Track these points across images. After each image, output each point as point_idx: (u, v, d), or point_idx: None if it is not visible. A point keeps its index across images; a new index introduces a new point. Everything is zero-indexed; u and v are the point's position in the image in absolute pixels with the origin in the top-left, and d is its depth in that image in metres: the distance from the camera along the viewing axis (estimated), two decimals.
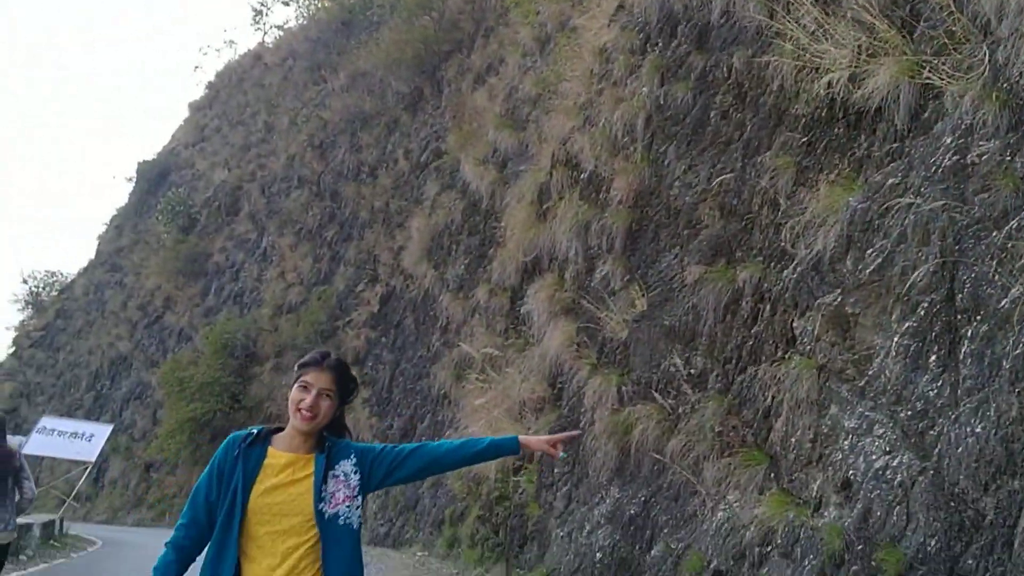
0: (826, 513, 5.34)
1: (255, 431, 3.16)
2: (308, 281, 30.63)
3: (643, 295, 9.61)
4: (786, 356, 6.50)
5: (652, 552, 7.76)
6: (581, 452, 9.80)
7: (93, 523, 31.26)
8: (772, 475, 6.60)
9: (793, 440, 6.03)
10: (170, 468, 31.55)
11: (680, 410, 8.09)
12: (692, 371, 8.36)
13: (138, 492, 33.04)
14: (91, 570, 11.13)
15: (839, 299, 5.74)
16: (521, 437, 3.23)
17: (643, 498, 8.25)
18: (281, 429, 3.19)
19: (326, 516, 2.98)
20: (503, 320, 16.63)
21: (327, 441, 3.13)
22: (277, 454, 3.09)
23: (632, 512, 8.27)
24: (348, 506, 3.05)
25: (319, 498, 2.98)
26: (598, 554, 8.31)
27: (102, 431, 18.59)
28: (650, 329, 9.18)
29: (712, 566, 6.89)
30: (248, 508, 2.95)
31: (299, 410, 3.07)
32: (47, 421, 19.12)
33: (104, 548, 15.64)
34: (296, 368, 3.18)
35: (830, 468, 5.46)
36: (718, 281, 8.23)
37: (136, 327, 39.73)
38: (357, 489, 3.09)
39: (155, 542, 16.24)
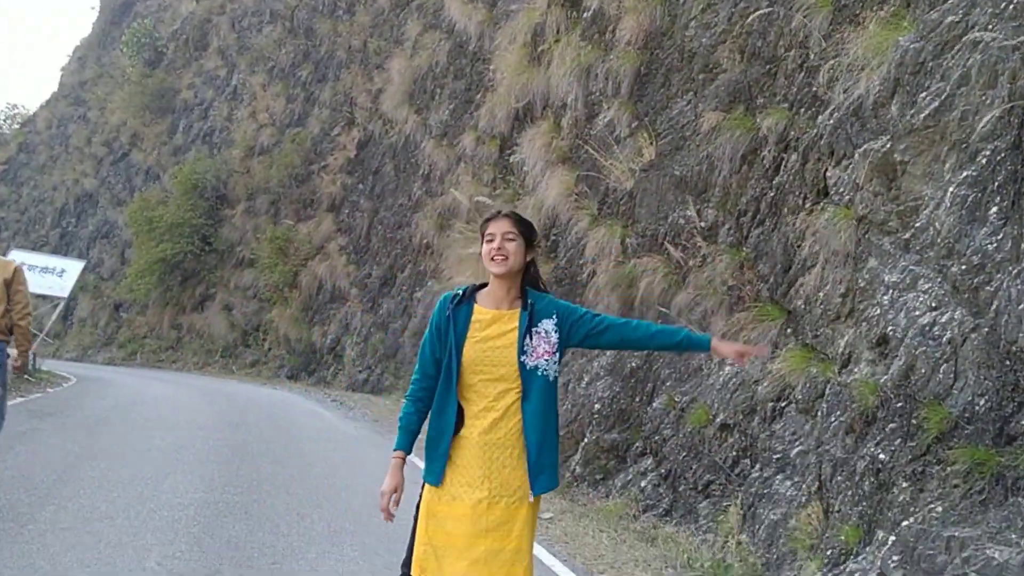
0: (856, 370, 5.12)
1: (460, 291, 3.33)
2: (281, 123, 29.59)
3: (652, 143, 9.14)
4: (817, 207, 6.15)
5: (653, 404, 7.61)
6: (584, 303, 9.55)
7: (63, 360, 31.16)
8: (789, 330, 6.36)
9: (821, 295, 5.75)
10: (140, 308, 31.28)
11: (690, 263, 7.79)
12: (703, 223, 8.02)
13: (108, 331, 32.85)
14: (71, 404, 10.92)
15: (887, 146, 5.34)
16: (714, 341, 3.26)
17: (645, 351, 8.04)
18: (485, 286, 3.33)
19: (527, 367, 3.17)
20: (491, 169, 16.11)
21: (529, 298, 3.26)
22: (483, 311, 3.26)
23: (633, 365, 8.08)
24: (547, 360, 3.19)
25: (521, 351, 3.17)
26: (596, 404, 8.17)
27: (74, 267, 17.99)
28: (659, 179, 8.77)
29: (718, 420, 6.74)
30: (463, 360, 3.20)
31: (492, 259, 3.21)
32: (15, 255, 18.45)
33: (79, 384, 15.47)
34: (480, 231, 3.34)
35: (864, 324, 5.20)
36: (736, 129, 7.78)
37: (102, 164, 38.59)
38: (556, 345, 3.21)
39: (129, 380, 16.04)
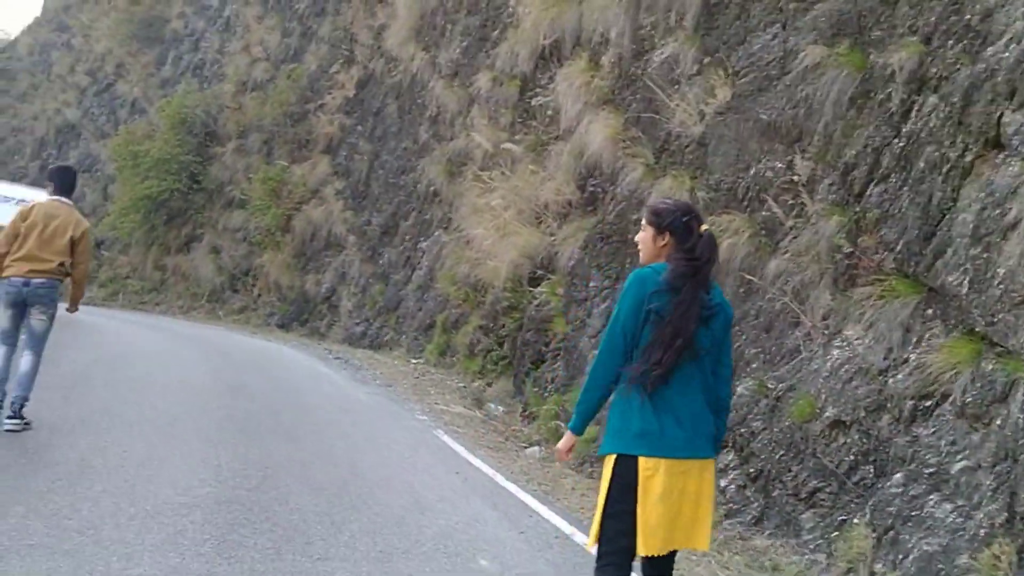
0: None
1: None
2: (276, 57, 28.04)
3: (728, 82, 7.89)
4: (985, 161, 4.95)
5: (738, 390, 6.45)
6: (628, 264, 8.35)
7: None
8: (931, 311, 5.20)
9: (1001, 271, 4.57)
10: (123, 247, 29.88)
11: (788, 223, 6.59)
12: (796, 176, 6.81)
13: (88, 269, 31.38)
14: (46, 357, 9.66)
15: None
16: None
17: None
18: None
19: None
20: (510, 112, 14.79)
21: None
22: None
23: None
24: None
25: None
26: None
27: (42, 198, 16.51)
28: (738, 124, 7.54)
29: (827, 414, 5.61)
30: None
31: None
32: None
33: (56, 330, 14.15)
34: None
35: None
36: (842, 67, 6.57)
37: (85, 94, 36.82)
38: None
39: (112, 325, 14.65)
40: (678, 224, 3.28)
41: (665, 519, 3.03)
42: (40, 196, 17.08)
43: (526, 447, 8.55)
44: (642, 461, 3.05)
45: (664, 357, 3.08)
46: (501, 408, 10.37)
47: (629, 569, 3.13)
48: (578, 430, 3.32)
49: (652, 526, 3.02)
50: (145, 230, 27.97)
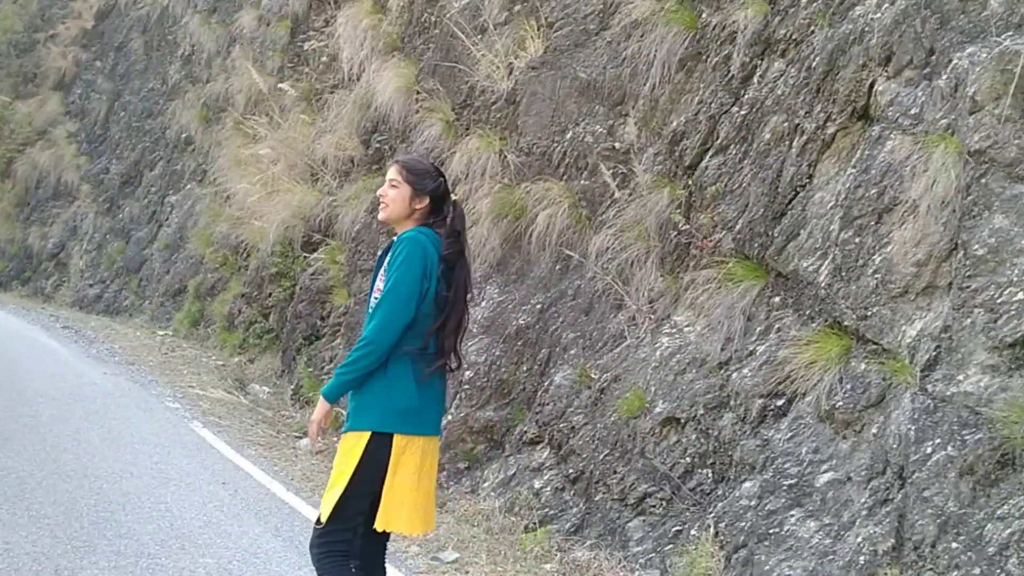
0: (964, 378, 3.50)
1: None
2: None
3: (541, 35, 7.13)
4: (849, 132, 4.47)
5: (555, 378, 5.75)
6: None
7: None
8: (778, 298, 4.71)
9: (877, 259, 4.05)
10: None
11: (615, 195, 5.93)
12: (618, 144, 6.18)
13: None
14: None
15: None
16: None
17: (538, 305, 6.14)
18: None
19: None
20: (279, 56, 13.38)
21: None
22: None
23: (521, 322, 6.15)
24: (377, 298, 3.07)
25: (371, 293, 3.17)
26: (468, 372, 6.17)
27: None
28: (554, 81, 6.79)
29: (658, 410, 5.02)
30: None
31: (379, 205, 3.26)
32: None
33: None
34: None
35: (977, 310, 3.56)
36: (671, 25, 5.98)
37: None
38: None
39: None
40: (439, 190, 3.19)
41: (412, 496, 3.01)
42: None
43: (299, 438, 7.47)
44: (397, 438, 2.97)
45: (447, 343, 3.08)
46: (267, 389, 9.17)
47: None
48: (334, 399, 3.08)
49: (397, 501, 2.98)
50: None
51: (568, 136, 6.52)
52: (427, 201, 3.15)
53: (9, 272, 19.43)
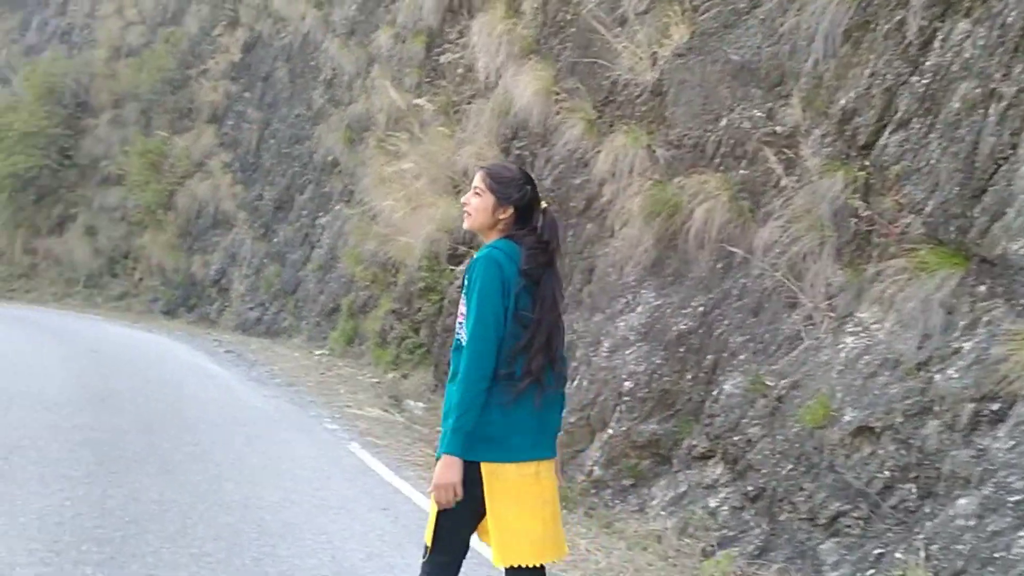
0: None
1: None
2: (152, 20, 25.79)
3: (686, 19, 6.69)
4: None
5: (724, 386, 5.30)
6: (582, 237, 7.11)
7: None
8: (984, 287, 4.13)
9: None
10: None
11: (778, 182, 5.44)
12: (779, 128, 5.68)
13: None
14: None
15: None
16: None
17: (700, 308, 5.70)
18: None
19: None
20: (416, 72, 13.38)
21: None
22: None
23: (683, 327, 5.73)
24: (460, 323, 2.89)
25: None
26: (626, 382, 5.81)
27: None
28: (703, 68, 6.35)
29: (848, 418, 4.50)
30: None
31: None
32: None
33: None
34: None
35: None
36: None
37: None
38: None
39: None
40: (525, 199, 2.98)
41: (527, 525, 2.83)
42: None
43: None
44: (484, 467, 2.80)
45: (534, 364, 2.84)
46: (421, 405, 9.06)
47: None
48: (459, 451, 2.76)
49: (509, 532, 2.81)
50: (12, 211, 25.45)
51: (722, 124, 6.06)
52: (511, 211, 2.96)
53: (176, 300, 20.33)
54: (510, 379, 2.81)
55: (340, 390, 9.37)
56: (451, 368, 2.89)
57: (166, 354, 11.67)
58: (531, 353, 2.83)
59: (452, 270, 9.48)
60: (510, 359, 2.81)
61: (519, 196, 2.95)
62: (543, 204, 3.03)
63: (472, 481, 2.76)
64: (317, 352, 12.18)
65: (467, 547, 2.91)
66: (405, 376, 10.20)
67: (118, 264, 22.84)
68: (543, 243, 2.92)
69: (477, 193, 2.98)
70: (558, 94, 8.11)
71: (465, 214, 3.04)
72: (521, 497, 2.82)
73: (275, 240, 17.99)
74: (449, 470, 2.72)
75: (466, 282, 2.88)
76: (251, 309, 17.51)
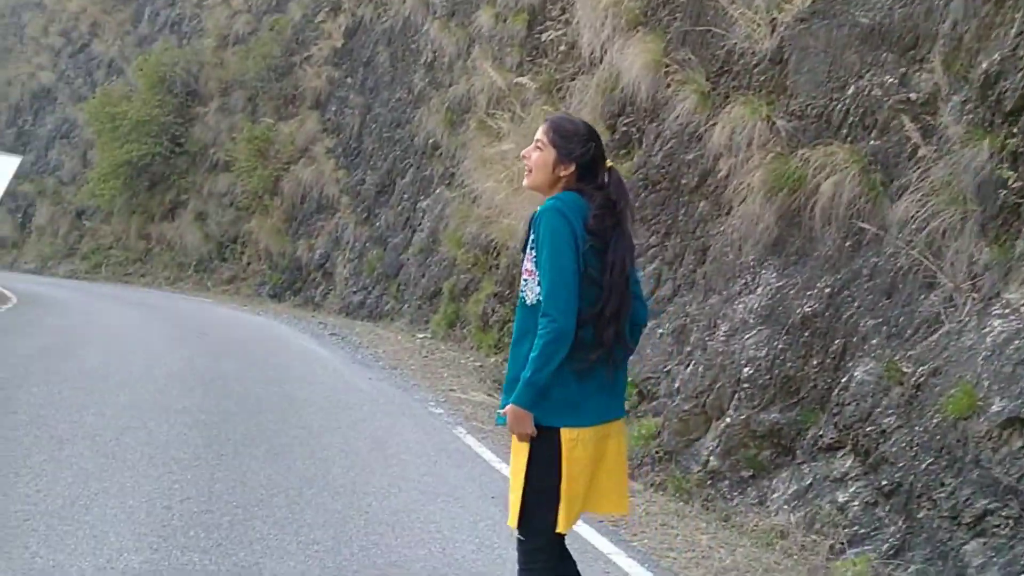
0: None
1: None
2: (257, 8, 26.23)
3: None
4: None
5: (855, 373, 4.94)
6: (695, 216, 6.80)
7: (20, 272, 28.24)
8: None
9: None
10: (104, 216, 28.19)
11: (914, 152, 5.03)
12: (914, 95, 5.25)
13: (69, 241, 29.77)
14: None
15: None
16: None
17: (827, 289, 5.34)
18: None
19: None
20: (517, 51, 13.18)
21: None
22: None
23: (808, 310, 5.38)
24: (525, 280, 2.77)
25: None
26: (745, 368, 5.50)
27: (7, 164, 14.47)
28: (828, 32, 5.95)
29: (995, 408, 4.11)
30: None
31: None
32: None
33: (16, 309, 12.64)
34: None
35: None
36: None
37: (60, 56, 34.86)
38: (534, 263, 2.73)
39: (83, 301, 12.85)
40: (588, 157, 2.80)
41: (598, 481, 2.78)
42: (10, 162, 15.40)
43: None
44: (564, 433, 2.69)
45: (605, 337, 2.71)
46: None
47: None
48: (529, 405, 2.68)
49: (576, 497, 2.72)
50: (127, 197, 26.32)
51: (850, 92, 5.66)
52: (573, 168, 2.79)
53: (282, 284, 20.68)
54: (580, 345, 2.68)
55: (443, 374, 9.27)
56: (516, 330, 2.81)
57: (271, 336, 11.82)
58: (601, 323, 2.70)
59: None
60: (579, 324, 2.67)
61: (582, 152, 2.78)
62: (608, 164, 2.87)
63: (552, 447, 2.67)
64: (419, 335, 12.14)
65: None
66: (506, 360, 10.05)
67: (227, 248, 23.37)
68: (611, 202, 2.76)
69: (538, 147, 2.82)
70: (668, 66, 7.77)
71: (525, 171, 2.88)
72: (595, 458, 2.74)
73: (377, 224, 18.08)
74: (521, 423, 2.67)
75: (531, 237, 2.73)
76: (354, 292, 17.67)
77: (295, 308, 18.57)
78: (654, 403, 6.31)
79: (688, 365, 5.92)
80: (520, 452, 2.73)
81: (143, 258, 26.53)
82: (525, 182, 2.91)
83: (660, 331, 6.45)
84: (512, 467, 2.80)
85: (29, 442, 5.04)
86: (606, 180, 2.80)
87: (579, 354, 2.67)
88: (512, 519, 2.73)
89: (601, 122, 9.09)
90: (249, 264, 22.53)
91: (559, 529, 2.70)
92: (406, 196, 17.11)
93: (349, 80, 21.71)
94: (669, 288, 6.83)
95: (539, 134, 2.84)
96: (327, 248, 19.74)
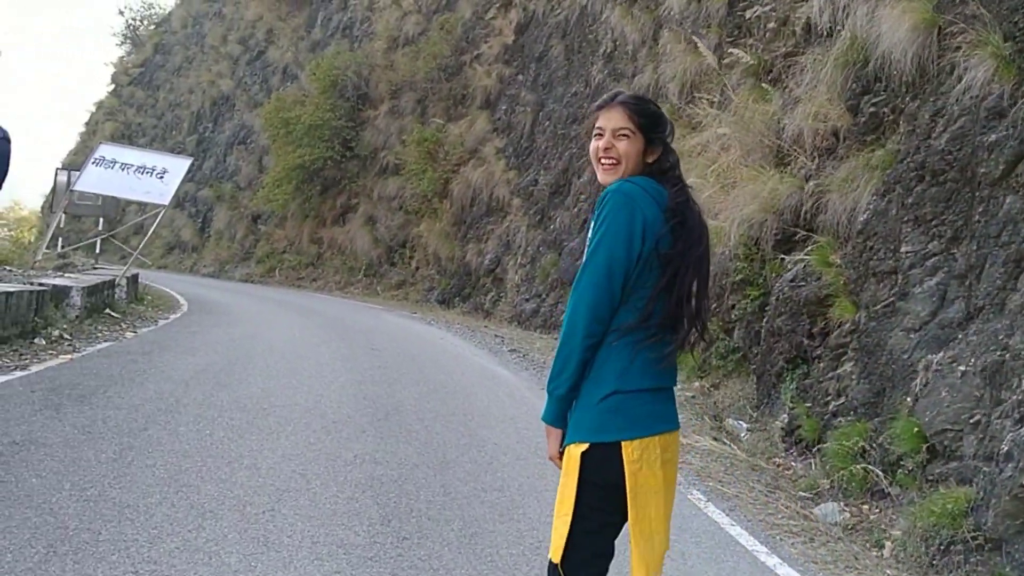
0: None
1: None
2: (427, 8, 25.83)
3: None
4: None
5: None
6: (999, 215, 5.18)
7: (200, 276, 28.93)
8: None
9: None
10: (278, 221, 28.51)
11: None
12: None
13: (245, 245, 30.33)
14: (133, 369, 7.29)
15: None
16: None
17: None
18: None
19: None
20: (715, 32, 11.72)
21: None
22: None
23: None
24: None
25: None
26: None
27: (177, 166, 14.13)
28: None
29: None
30: None
31: (599, 161, 2.51)
32: (105, 150, 14.63)
33: (185, 319, 12.17)
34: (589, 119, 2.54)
35: None
36: None
37: (238, 64, 35.89)
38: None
39: (253, 309, 11.51)
40: (672, 139, 2.56)
41: (663, 522, 2.35)
42: (171, 162, 15.35)
43: (810, 498, 5.61)
44: (627, 448, 2.28)
45: (677, 312, 2.37)
46: (745, 425, 7.44)
47: None
48: (554, 421, 2.38)
49: (649, 533, 2.30)
50: (299, 202, 26.50)
51: None
52: (659, 152, 2.51)
53: (451, 289, 19.94)
54: (648, 331, 2.33)
55: None
56: None
57: (448, 353, 10.78)
58: (672, 298, 2.36)
59: (781, 259, 7.76)
60: (645, 308, 2.34)
61: (670, 131, 2.55)
62: None
63: (612, 468, 2.29)
64: None
65: (610, 558, 2.38)
66: (715, 386, 8.62)
67: (396, 253, 22.96)
68: (680, 179, 2.49)
69: (625, 134, 2.46)
70: (942, 28, 6.15)
71: (605, 165, 2.49)
72: (665, 479, 2.35)
73: (551, 227, 17.00)
74: (549, 439, 2.41)
75: (595, 218, 2.41)
76: (527, 300, 16.61)
77: (464, 315, 17.69)
78: (955, 464, 4.75)
79: (1015, 418, 4.33)
80: (567, 472, 2.34)
81: (315, 262, 26.60)
82: (607, 177, 2.49)
83: (961, 368, 4.87)
84: (559, 490, 2.36)
85: (160, 517, 3.84)
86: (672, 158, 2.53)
87: (647, 343, 2.32)
88: (555, 553, 2.32)
89: (840, 103, 7.54)
90: (418, 269, 21.99)
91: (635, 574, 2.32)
92: (583, 197, 15.92)
93: (520, 77, 20.82)
94: (960, 309, 5.24)
95: (618, 120, 2.47)
96: (497, 252, 18.82)
